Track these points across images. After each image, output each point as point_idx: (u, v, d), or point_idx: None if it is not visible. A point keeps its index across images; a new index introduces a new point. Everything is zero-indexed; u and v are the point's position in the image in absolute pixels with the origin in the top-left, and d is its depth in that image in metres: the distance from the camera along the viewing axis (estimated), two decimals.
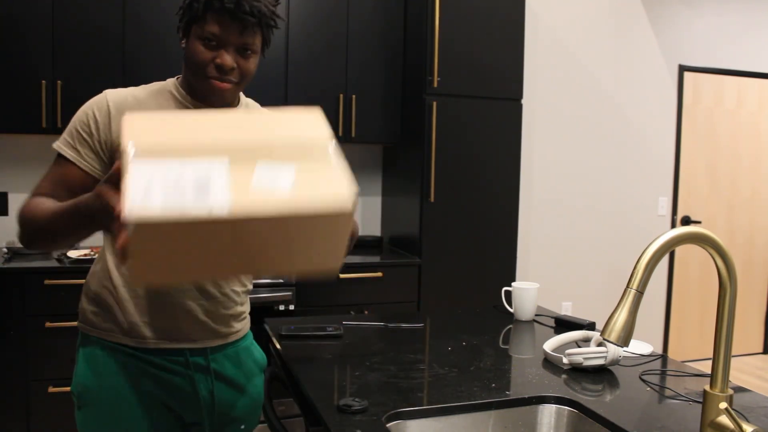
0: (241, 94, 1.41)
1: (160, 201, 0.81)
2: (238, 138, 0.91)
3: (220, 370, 1.38)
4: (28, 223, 1.19)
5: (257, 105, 1.47)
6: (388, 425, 1.16)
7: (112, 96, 1.30)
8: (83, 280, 2.71)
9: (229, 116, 0.96)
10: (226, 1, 1.20)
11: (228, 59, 1.24)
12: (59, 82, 2.91)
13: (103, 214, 0.98)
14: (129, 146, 0.87)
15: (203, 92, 1.29)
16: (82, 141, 1.27)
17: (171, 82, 1.35)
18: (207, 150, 0.89)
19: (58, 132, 2.92)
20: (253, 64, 1.29)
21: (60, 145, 1.28)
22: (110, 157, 1.27)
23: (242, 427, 1.45)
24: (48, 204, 1.18)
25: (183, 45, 1.29)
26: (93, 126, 1.27)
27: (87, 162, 1.27)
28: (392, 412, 1.18)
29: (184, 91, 1.33)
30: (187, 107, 1.32)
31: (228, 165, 0.87)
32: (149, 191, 0.82)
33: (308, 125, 0.98)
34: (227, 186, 0.85)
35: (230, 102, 1.34)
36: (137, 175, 0.84)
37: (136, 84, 1.41)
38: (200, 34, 1.24)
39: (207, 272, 0.93)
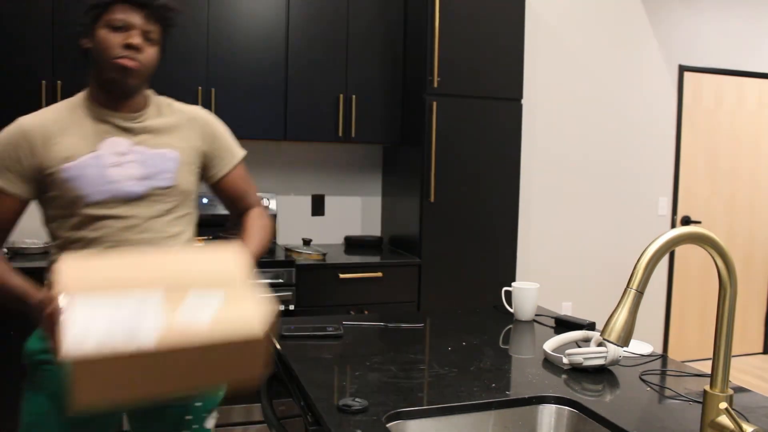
0: (154, 95, 1.51)
1: (95, 339, 0.96)
2: (164, 276, 1.08)
3: None
4: None
5: (171, 101, 1.55)
6: (388, 425, 1.16)
7: (28, 124, 1.38)
8: None
9: (156, 257, 1.15)
10: None
11: (136, 38, 1.37)
12: (59, 82, 2.91)
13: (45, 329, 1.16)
14: (65, 286, 1.02)
15: (112, 75, 1.37)
16: (6, 170, 1.37)
17: (80, 96, 1.44)
18: (137, 289, 1.04)
19: None
20: (153, 53, 1.41)
21: None
22: (41, 179, 1.38)
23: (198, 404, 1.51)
24: None
25: (88, 44, 1.39)
26: (14, 156, 1.36)
27: (18, 187, 1.38)
28: (392, 412, 1.18)
29: (94, 102, 1.42)
30: (98, 115, 1.41)
31: (158, 301, 1.03)
32: (86, 330, 0.97)
33: (227, 261, 1.15)
34: (155, 322, 1.00)
35: (136, 90, 1.42)
36: (74, 315, 0.98)
37: None
38: (108, 23, 1.36)
39: (142, 392, 1.04)
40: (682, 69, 4.43)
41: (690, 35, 4.44)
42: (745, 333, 4.85)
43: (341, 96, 3.34)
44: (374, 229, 3.85)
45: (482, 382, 1.37)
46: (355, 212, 3.80)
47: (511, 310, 1.98)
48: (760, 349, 4.90)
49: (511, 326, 1.87)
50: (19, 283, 1.35)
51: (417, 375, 1.40)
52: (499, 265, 3.41)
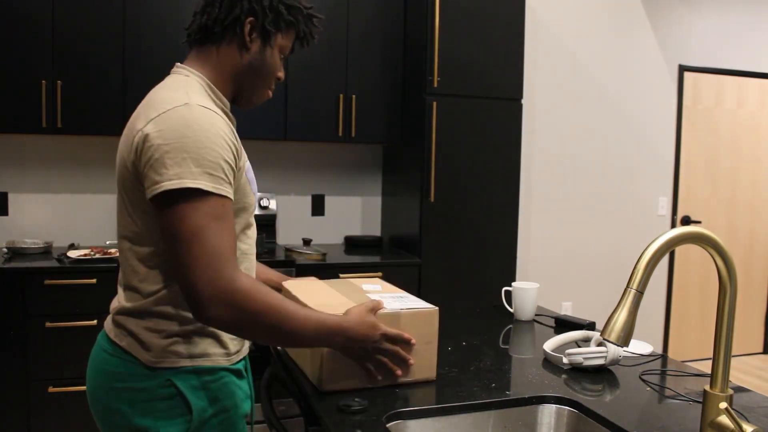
0: None
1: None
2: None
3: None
4: (269, 328, 1.08)
5: None
6: (388, 425, 1.16)
7: (219, 111, 1.16)
8: (83, 280, 2.72)
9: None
10: (315, 31, 1.29)
11: (283, 73, 1.30)
12: (59, 82, 2.90)
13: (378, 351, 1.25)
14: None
15: (254, 98, 1.27)
16: (229, 175, 1.11)
17: (204, 84, 1.21)
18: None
19: (58, 132, 2.92)
20: None
21: (214, 185, 1.06)
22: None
23: None
24: (290, 306, 1.10)
25: (253, 47, 1.22)
26: (236, 155, 1.13)
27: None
28: (392, 412, 1.18)
29: (221, 91, 1.24)
30: (226, 109, 1.25)
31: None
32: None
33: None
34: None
35: None
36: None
37: (138, 83, 1.39)
38: (282, 47, 1.25)
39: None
40: (682, 69, 4.43)
41: (690, 35, 4.44)
42: (745, 333, 4.85)
43: (341, 96, 3.34)
44: (374, 229, 3.85)
45: (482, 382, 1.37)
46: (355, 212, 3.80)
47: (511, 310, 1.98)
48: (760, 349, 4.90)
49: (511, 326, 1.87)
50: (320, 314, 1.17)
51: None
52: (499, 265, 3.41)
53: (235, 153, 1.12)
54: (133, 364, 1.16)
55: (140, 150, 1.08)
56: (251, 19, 1.19)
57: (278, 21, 1.22)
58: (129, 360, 1.16)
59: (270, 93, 1.29)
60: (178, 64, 1.24)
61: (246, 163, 1.25)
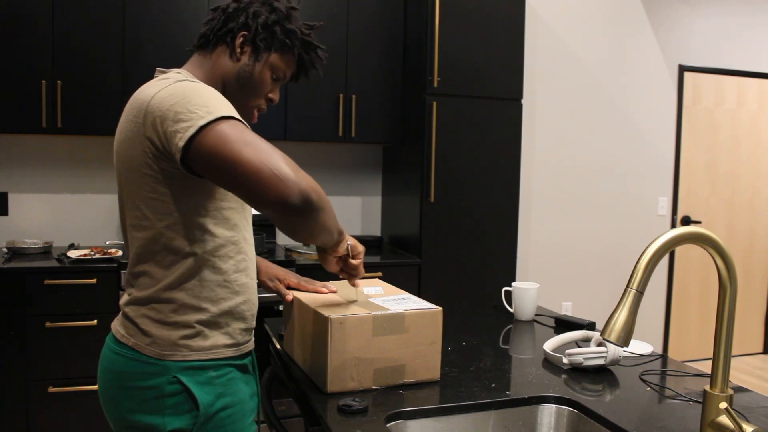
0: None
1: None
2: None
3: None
4: (325, 206, 1.14)
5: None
6: (388, 425, 1.16)
7: None
8: (83, 280, 2.73)
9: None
10: (317, 62, 1.38)
11: (278, 94, 1.34)
12: (59, 82, 2.91)
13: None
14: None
15: (242, 114, 1.31)
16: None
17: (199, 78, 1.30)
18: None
19: (58, 132, 2.92)
20: None
21: (234, 115, 1.13)
22: None
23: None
24: None
25: (243, 58, 1.28)
26: None
27: None
28: (392, 412, 1.18)
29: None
30: None
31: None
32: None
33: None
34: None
35: None
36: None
37: (138, 83, 1.41)
38: (275, 67, 1.31)
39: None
40: (682, 69, 4.43)
41: (690, 35, 4.44)
42: (745, 333, 4.85)
43: (341, 96, 3.34)
44: (374, 229, 3.85)
45: (482, 382, 1.37)
46: (355, 212, 3.80)
47: (511, 310, 1.98)
48: (760, 349, 4.90)
49: (511, 326, 1.87)
50: None
51: None
52: (499, 265, 3.41)
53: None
54: (140, 363, 1.18)
55: (155, 124, 1.12)
56: (244, 33, 1.27)
57: (271, 40, 1.29)
58: (136, 359, 1.19)
59: (255, 115, 1.33)
60: (161, 69, 1.30)
61: None
